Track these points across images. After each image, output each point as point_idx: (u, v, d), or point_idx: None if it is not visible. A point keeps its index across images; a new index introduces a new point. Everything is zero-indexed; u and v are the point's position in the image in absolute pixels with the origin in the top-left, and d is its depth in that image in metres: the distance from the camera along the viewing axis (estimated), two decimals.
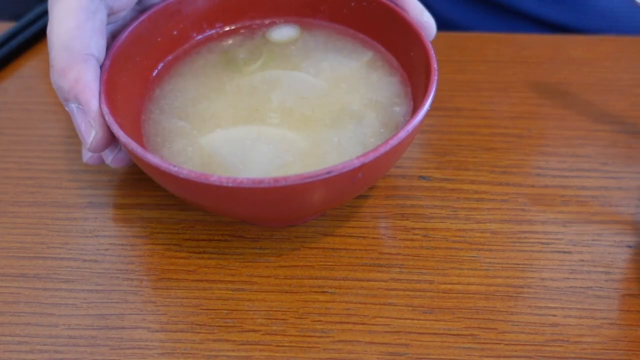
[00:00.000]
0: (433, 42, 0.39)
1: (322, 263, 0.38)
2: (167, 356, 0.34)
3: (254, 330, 0.35)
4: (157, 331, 0.35)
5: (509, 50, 0.52)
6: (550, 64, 0.51)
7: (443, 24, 0.63)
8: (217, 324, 0.35)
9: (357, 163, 0.31)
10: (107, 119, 0.35)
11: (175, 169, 0.31)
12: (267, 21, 0.45)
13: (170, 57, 0.43)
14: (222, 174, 0.32)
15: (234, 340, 0.35)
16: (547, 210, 0.41)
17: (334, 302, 0.36)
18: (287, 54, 0.43)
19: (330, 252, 0.39)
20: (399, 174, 0.43)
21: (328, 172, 0.31)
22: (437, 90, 0.35)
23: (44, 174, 0.43)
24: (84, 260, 0.39)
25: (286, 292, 0.37)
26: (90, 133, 0.35)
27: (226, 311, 0.36)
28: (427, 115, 0.35)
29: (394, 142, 0.32)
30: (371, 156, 0.31)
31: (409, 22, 0.39)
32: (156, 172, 0.33)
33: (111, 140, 0.36)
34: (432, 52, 0.37)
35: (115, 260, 0.39)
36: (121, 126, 0.34)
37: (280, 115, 0.39)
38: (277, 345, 0.34)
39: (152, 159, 0.32)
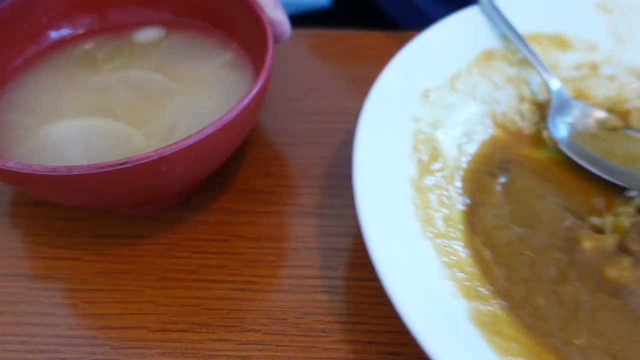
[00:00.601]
0: None
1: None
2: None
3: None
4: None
5: None
6: None
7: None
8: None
9: (154, 155, 0.31)
10: None
11: None
12: (133, 19, 0.46)
13: (30, 51, 0.43)
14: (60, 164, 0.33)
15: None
16: None
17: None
18: (148, 55, 0.44)
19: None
20: None
21: (122, 164, 0.31)
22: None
23: None
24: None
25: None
26: None
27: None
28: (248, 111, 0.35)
29: (198, 137, 0.32)
30: (170, 149, 0.32)
31: (259, 16, 0.39)
32: None
33: None
34: (270, 49, 0.37)
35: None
36: None
37: (126, 113, 0.39)
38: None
39: None
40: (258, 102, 0.36)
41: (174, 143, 0.32)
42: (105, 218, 0.41)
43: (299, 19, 0.75)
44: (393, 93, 0.39)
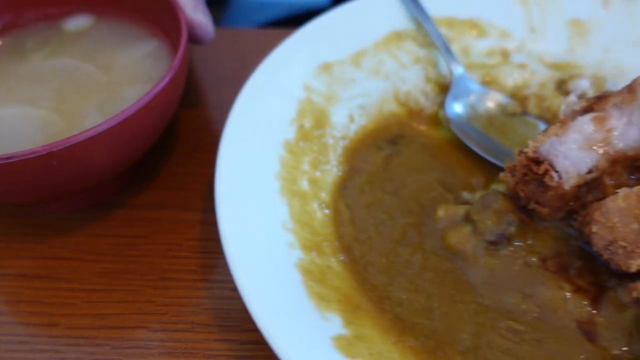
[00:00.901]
0: None
1: None
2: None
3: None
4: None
5: None
6: None
7: None
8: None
9: (42, 151, 0.31)
10: None
11: None
12: (64, 8, 0.46)
13: None
14: None
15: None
16: None
17: None
18: (77, 43, 0.44)
19: None
20: None
21: (7, 158, 0.31)
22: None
23: None
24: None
25: None
26: None
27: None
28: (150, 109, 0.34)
29: (90, 133, 0.32)
30: (59, 145, 0.32)
31: (177, 16, 0.39)
32: None
33: None
34: (182, 49, 0.37)
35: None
36: None
37: (53, 102, 0.40)
38: None
39: None
40: (159, 102, 0.35)
41: (62, 140, 0.32)
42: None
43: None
44: (287, 63, 0.41)
